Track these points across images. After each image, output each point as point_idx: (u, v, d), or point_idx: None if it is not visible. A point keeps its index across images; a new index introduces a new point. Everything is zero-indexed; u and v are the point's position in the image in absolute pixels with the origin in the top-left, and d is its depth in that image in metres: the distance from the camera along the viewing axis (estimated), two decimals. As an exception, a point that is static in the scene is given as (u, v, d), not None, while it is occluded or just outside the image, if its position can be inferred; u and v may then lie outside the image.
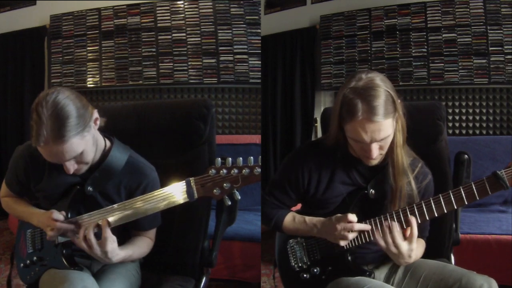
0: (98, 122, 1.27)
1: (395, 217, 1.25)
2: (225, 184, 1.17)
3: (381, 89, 1.17)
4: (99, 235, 1.23)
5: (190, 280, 1.53)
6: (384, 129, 1.17)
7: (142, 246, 1.40)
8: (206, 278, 1.56)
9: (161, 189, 1.24)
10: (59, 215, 1.28)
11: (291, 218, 1.43)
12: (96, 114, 1.27)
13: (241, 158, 1.17)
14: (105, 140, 1.37)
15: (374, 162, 1.28)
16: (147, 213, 1.25)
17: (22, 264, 1.43)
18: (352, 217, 1.27)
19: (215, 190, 1.18)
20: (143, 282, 1.48)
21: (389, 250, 1.23)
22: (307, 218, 1.38)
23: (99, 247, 1.22)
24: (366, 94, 1.15)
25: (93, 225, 1.24)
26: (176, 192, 1.21)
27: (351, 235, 1.27)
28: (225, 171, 1.16)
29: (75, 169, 1.25)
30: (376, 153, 1.21)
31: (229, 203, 1.19)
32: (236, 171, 1.16)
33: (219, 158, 1.18)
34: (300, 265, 1.42)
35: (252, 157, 1.16)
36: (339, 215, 1.29)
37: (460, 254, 1.91)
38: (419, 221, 1.24)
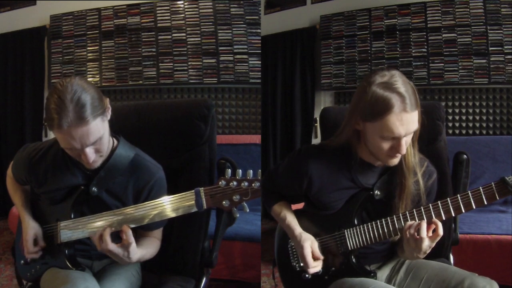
0: (109, 112, 1.28)
1: (402, 219, 1.26)
2: (234, 197, 1.18)
3: (406, 82, 1.19)
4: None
5: (190, 280, 1.53)
6: (415, 120, 1.19)
7: (152, 246, 1.40)
8: (206, 278, 1.57)
9: (169, 196, 1.24)
10: (31, 248, 1.34)
11: (279, 210, 1.45)
12: (108, 103, 1.28)
13: (251, 170, 1.18)
14: (112, 139, 1.37)
15: (396, 161, 1.27)
16: (154, 219, 1.26)
17: (22, 261, 1.43)
18: (313, 266, 1.33)
19: (224, 202, 1.19)
20: (144, 283, 1.48)
21: (409, 242, 1.22)
22: (287, 220, 1.41)
23: (121, 249, 1.22)
24: (395, 87, 1.17)
25: (108, 232, 1.23)
26: (184, 201, 1.22)
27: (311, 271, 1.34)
28: (235, 183, 1.17)
29: (93, 160, 1.25)
30: (405, 148, 1.21)
31: (237, 215, 1.21)
32: (246, 184, 1.17)
33: (229, 169, 1.19)
34: (301, 265, 1.42)
35: (260, 170, 1.18)
36: (305, 248, 1.33)
37: (460, 254, 1.91)
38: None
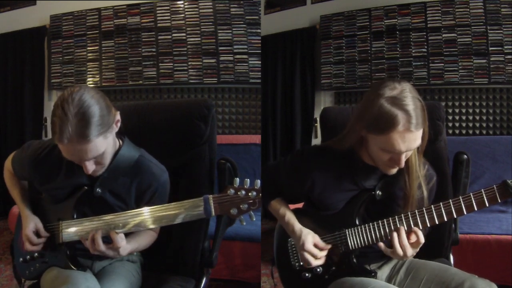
0: (118, 124, 1.27)
1: (403, 220, 1.25)
2: (242, 205, 1.19)
3: (415, 98, 1.17)
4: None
5: (190, 280, 1.53)
6: (418, 138, 1.18)
7: (146, 238, 1.40)
8: (206, 278, 1.57)
9: (177, 203, 1.24)
10: (34, 240, 1.33)
11: (277, 207, 1.45)
12: (118, 116, 1.27)
13: (259, 180, 1.19)
14: (118, 141, 1.37)
15: (395, 171, 1.27)
16: (160, 224, 1.26)
17: (21, 259, 1.43)
18: (319, 257, 1.32)
19: (232, 210, 1.20)
20: (144, 282, 1.48)
21: (395, 252, 1.23)
22: (287, 217, 1.40)
23: (111, 250, 1.24)
24: (404, 104, 1.14)
25: (100, 234, 1.24)
26: (193, 207, 1.22)
27: (315, 263, 1.33)
28: (243, 192, 1.18)
29: (93, 170, 1.25)
30: (404, 161, 1.21)
31: (244, 223, 1.22)
32: (254, 193, 1.18)
33: (237, 178, 1.20)
34: (301, 264, 1.42)
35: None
36: (306, 240, 1.32)
37: (460, 254, 1.91)
38: (428, 225, 1.24)
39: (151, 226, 1.27)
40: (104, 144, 1.21)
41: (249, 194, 1.18)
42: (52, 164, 1.36)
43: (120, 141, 1.38)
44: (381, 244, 1.27)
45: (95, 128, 1.15)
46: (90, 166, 1.23)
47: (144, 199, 1.36)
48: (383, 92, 1.17)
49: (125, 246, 1.25)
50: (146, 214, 1.26)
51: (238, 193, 1.18)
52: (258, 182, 1.19)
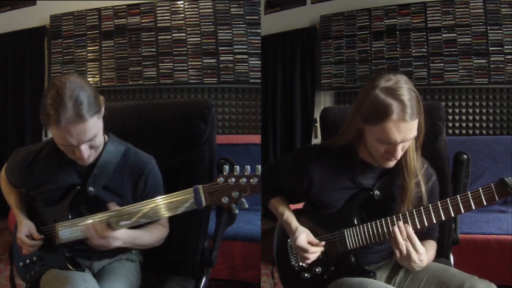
0: (103, 109, 1.29)
1: (401, 219, 1.25)
2: (233, 193, 1.17)
3: (410, 89, 1.18)
4: None
5: (190, 280, 1.53)
6: (414, 129, 1.19)
7: (153, 231, 1.40)
8: (206, 278, 1.57)
9: (168, 195, 1.24)
10: (28, 242, 1.34)
11: (277, 205, 1.46)
12: (103, 101, 1.29)
13: (249, 166, 1.17)
14: (104, 136, 1.38)
15: (392, 164, 1.27)
16: (152, 218, 1.26)
17: (21, 263, 1.43)
18: (312, 251, 1.32)
19: (223, 199, 1.18)
20: (143, 282, 1.48)
21: (401, 251, 1.22)
22: (285, 215, 1.41)
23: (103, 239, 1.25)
24: (398, 94, 1.16)
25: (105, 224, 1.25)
26: (183, 199, 1.21)
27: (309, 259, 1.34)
28: (233, 179, 1.16)
29: (87, 156, 1.26)
30: (401, 154, 1.22)
31: (237, 211, 1.20)
32: (244, 180, 1.16)
33: (227, 166, 1.18)
34: (300, 264, 1.42)
35: (260, 166, 1.16)
36: (299, 237, 1.33)
37: (460, 254, 1.91)
38: (426, 224, 1.24)
39: (138, 223, 1.27)
40: (98, 125, 1.25)
41: (240, 181, 1.16)
42: (41, 167, 1.37)
43: (106, 137, 1.39)
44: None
45: (89, 108, 1.19)
46: (86, 151, 1.24)
47: (139, 188, 1.37)
48: (378, 83, 1.18)
49: (114, 236, 1.25)
50: (136, 208, 1.26)
51: (228, 180, 1.16)
52: (249, 168, 1.17)
